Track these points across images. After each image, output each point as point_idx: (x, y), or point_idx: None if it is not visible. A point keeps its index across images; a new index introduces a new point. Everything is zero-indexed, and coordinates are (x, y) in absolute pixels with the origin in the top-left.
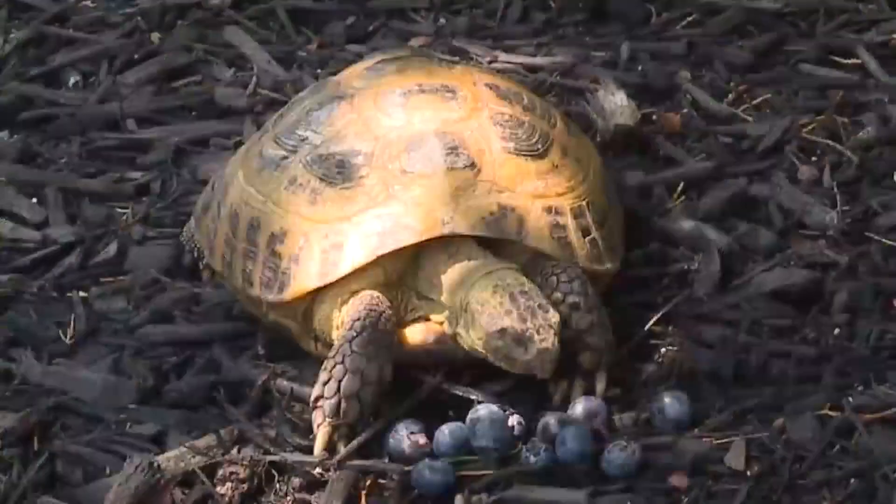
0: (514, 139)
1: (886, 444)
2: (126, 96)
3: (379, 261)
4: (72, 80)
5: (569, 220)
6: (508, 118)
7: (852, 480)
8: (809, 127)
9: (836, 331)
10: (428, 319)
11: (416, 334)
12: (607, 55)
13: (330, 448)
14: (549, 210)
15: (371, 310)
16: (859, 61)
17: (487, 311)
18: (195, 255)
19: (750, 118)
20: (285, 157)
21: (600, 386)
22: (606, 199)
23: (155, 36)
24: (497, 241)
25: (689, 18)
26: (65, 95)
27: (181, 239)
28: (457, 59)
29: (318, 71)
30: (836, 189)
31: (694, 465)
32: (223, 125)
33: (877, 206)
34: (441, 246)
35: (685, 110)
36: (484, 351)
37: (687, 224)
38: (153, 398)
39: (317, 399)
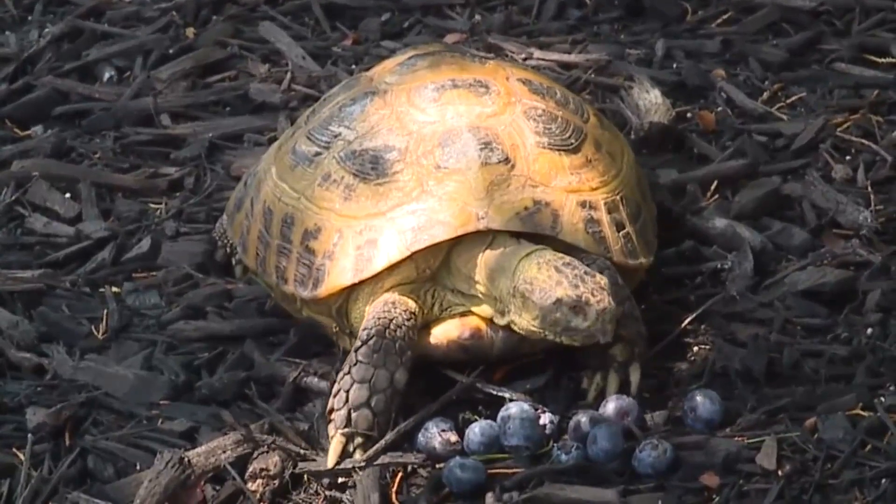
0: (547, 134)
1: None
2: (160, 91)
3: (412, 257)
4: (106, 75)
5: (603, 215)
6: (542, 113)
7: (884, 480)
8: (844, 126)
9: (869, 330)
10: (465, 315)
11: (451, 330)
12: (642, 52)
13: (345, 458)
14: (583, 204)
15: (379, 318)
16: (894, 60)
17: (538, 286)
18: (227, 251)
19: (784, 117)
20: (318, 153)
21: (635, 377)
22: (640, 194)
23: (190, 31)
24: (531, 236)
25: (725, 16)
26: (99, 90)
27: (213, 235)
28: (490, 54)
29: (353, 67)
30: (869, 188)
31: (725, 464)
32: (257, 121)
33: None
34: (476, 241)
35: (720, 108)
36: (542, 330)
37: (720, 222)
38: (185, 394)
39: (329, 411)
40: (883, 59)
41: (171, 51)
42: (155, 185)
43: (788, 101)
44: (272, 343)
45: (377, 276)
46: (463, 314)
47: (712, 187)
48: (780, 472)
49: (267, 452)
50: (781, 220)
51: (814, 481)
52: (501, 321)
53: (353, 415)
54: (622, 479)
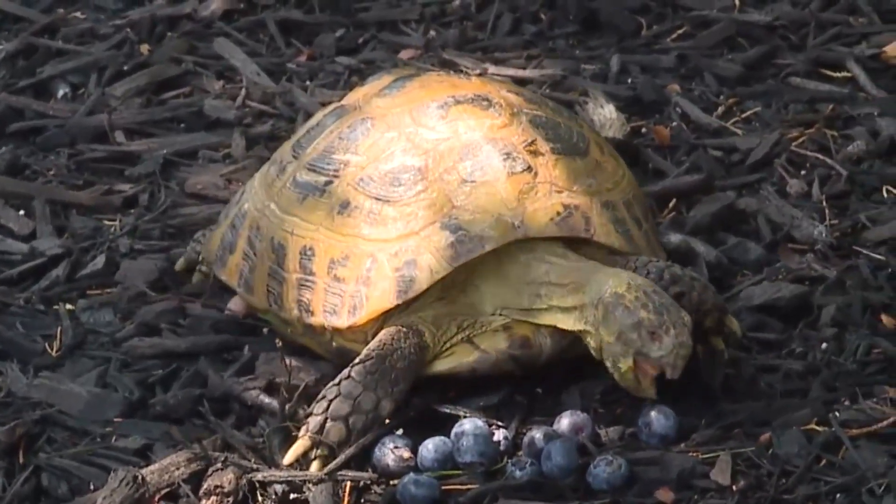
0: (558, 140)
1: (873, 458)
2: (115, 108)
3: (441, 281)
4: (61, 92)
5: (625, 214)
6: (546, 120)
7: (838, 495)
8: (799, 140)
9: (824, 345)
10: (507, 328)
11: (499, 342)
12: (597, 68)
13: (304, 462)
14: (606, 206)
15: (385, 344)
16: (849, 74)
17: (623, 303)
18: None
19: (739, 131)
20: (329, 182)
21: (734, 324)
22: (642, 193)
23: (144, 48)
24: (566, 240)
25: (680, 31)
26: (53, 107)
27: (196, 285)
28: (447, 70)
29: (308, 83)
30: (825, 203)
31: (680, 479)
32: (212, 137)
33: (865, 219)
34: (523, 254)
35: (675, 123)
36: (613, 349)
37: (675, 237)
38: (139, 411)
39: (308, 414)
40: (838, 74)
41: (125, 67)
42: (109, 201)
43: (743, 115)
44: (226, 360)
45: (409, 301)
46: (506, 328)
47: (668, 203)
48: (734, 488)
49: (221, 469)
50: (736, 234)
51: (768, 497)
52: (571, 326)
53: (328, 424)
54: (577, 495)
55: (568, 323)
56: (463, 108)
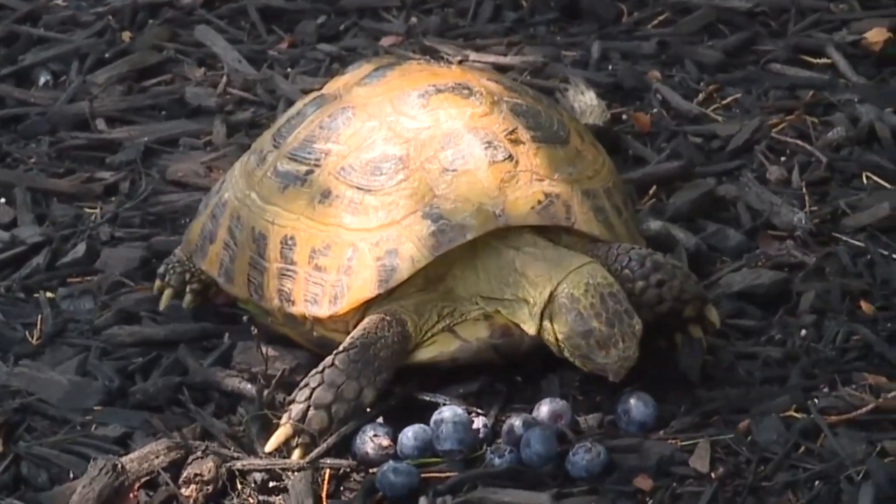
0: (539, 128)
1: (851, 445)
2: (96, 96)
3: (424, 269)
4: (42, 80)
5: (605, 202)
6: (527, 109)
7: (817, 482)
8: (779, 127)
9: (803, 332)
10: (488, 318)
11: (480, 331)
12: (578, 54)
13: (286, 450)
14: (587, 194)
15: (369, 332)
16: (830, 61)
17: (577, 309)
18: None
19: (720, 118)
20: (310, 171)
21: (714, 315)
22: (622, 180)
23: (126, 35)
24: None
25: (661, 18)
26: (35, 95)
27: (160, 275)
28: (427, 58)
29: (289, 70)
30: (804, 189)
31: (659, 466)
32: (193, 125)
33: (845, 206)
34: (496, 241)
35: (655, 110)
36: (561, 345)
37: (655, 224)
38: (119, 399)
39: (290, 402)
40: (818, 60)
41: (107, 55)
42: (90, 189)
43: (724, 102)
44: (206, 348)
45: (390, 290)
46: (486, 316)
47: (649, 190)
48: (713, 475)
49: (201, 458)
50: (716, 221)
51: (747, 484)
52: (530, 325)
53: (310, 413)
54: (556, 483)
55: (525, 317)
56: (444, 96)
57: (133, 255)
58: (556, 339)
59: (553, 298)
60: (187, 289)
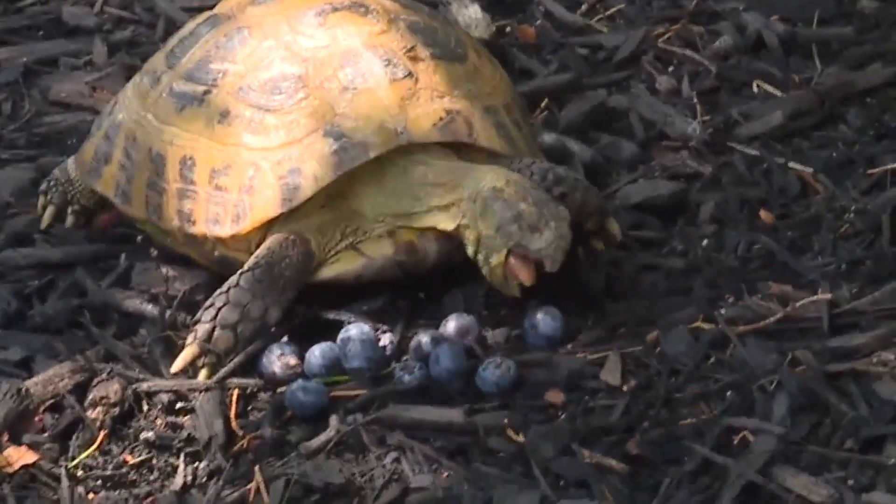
0: (436, 45)
1: (761, 355)
2: None
3: (325, 188)
4: None
5: (505, 118)
6: (424, 26)
7: (728, 393)
8: (665, 37)
9: (704, 242)
10: (392, 234)
11: (384, 248)
12: None
13: (192, 370)
14: (487, 110)
15: (273, 252)
16: None
17: (502, 197)
18: (66, 200)
19: (604, 29)
20: (207, 92)
21: (615, 228)
22: (519, 95)
23: None
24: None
25: None
26: None
27: (42, 192)
28: None
29: None
30: (695, 99)
31: (569, 380)
32: (72, 44)
33: (737, 115)
34: (399, 158)
35: (539, 22)
36: (490, 243)
37: (549, 137)
38: (17, 323)
39: (195, 322)
40: None
41: None
42: None
43: (607, 13)
44: (103, 269)
45: (293, 209)
46: (390, 233)
47: (542, 104)
48: (624, 388)
49: (106, 380)
50: (610, 133)
51: (659, 396)
52: (448, 223)
53: (216, 332)
54: (466, 399)
55: (447, 221)
56: (341, 15)
57: (21, 177)
58: (478, 239)
59: (476, 197)
60: (69, 210)
